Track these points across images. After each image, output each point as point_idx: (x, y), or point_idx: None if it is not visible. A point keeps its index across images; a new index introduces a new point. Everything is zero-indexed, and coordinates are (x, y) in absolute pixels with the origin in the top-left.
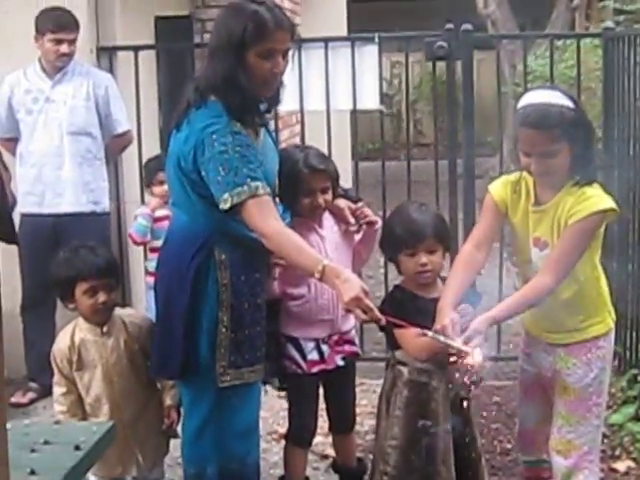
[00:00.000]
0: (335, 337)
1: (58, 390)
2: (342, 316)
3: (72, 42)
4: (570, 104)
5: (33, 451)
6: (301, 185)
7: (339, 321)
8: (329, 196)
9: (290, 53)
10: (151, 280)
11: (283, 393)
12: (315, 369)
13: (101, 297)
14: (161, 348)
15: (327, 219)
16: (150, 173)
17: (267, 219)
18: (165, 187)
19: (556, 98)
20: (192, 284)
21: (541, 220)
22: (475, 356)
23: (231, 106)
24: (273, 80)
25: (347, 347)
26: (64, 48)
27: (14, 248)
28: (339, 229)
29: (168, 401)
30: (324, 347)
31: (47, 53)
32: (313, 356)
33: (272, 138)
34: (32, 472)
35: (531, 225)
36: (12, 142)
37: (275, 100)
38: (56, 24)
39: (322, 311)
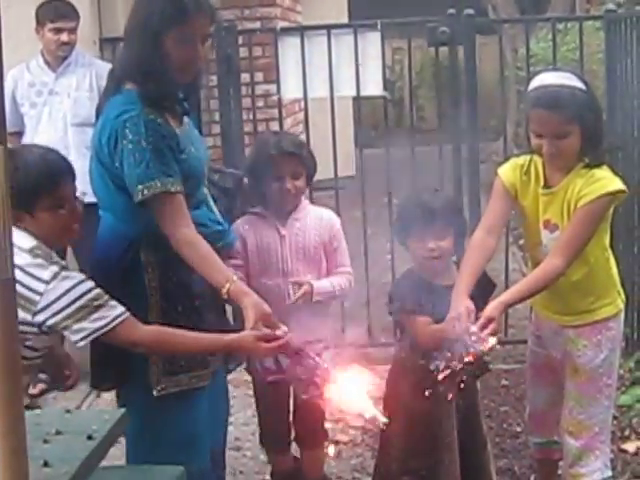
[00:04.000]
0: None
1: None
2: None
3: (72, 31)
4: (582, 86)
5: (46, 442)
6: (270, 168)
7: None
8: (301, 183)
9: (209, 39)
10: None
11: None
12: (271, 378)
13: None
14: (98, 358)
15: (298, 221)
16: None
17: (178, 224)
18: None
19: (568, 80)
20: (120, 288)
21: (551, 202)
22: (488, 344)
23: (147, 93)
24: (191, 66)
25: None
26: (64, 37)
27: None
28: (314, 235)
29: None
30: (282, 357)
31: (48, 43)
32: (269, 364)
33: (198, 127)
34: (45, 464)
35: (541, 208)
36: (17, 136)
37: (194, 87)
38: (55, 13)
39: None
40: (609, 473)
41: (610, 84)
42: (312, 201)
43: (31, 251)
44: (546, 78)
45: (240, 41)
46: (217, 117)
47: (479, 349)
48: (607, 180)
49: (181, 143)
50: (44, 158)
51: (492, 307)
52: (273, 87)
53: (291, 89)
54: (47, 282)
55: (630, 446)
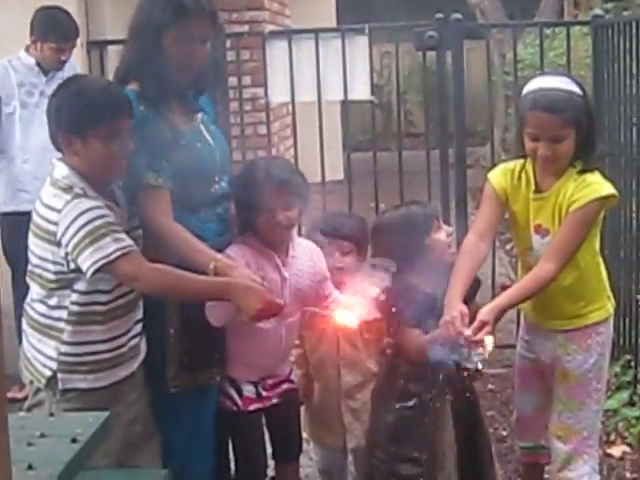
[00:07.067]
0: (270, 381)
1: None
2: (281, 360)
3: (72, 47)
4: (579, 91)
5: (30, 445)
6: (259, 198)
7: (278, 366)
8: (293, 213)
9: (210, 41)
10: None
11: None
12: (252, 407)
13: None
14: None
15: (295, 259)
16: None
17: (158, 215)
18: None
19: (566, 84)
20: None
21: (542, 207)
22: (485, 347)
23: (145, 90)
24: (189, 66)
25: (285, 386)
26: (65, 56)
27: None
28: (309, 272)
29: None
30: (261, 389)
31: (46, 58)
32: (249, 394)
33: (216, 125)
34: (29, 467)
35: (532, 212)
36: None
37: (201, 86)
38: (60, 35)
39: (262, 355)
40: (597, 477)
41: (597, 89)
42: None
43: (55, 183)
44: (544, 81)
45: (228, 44)
46: None
47: (477, 354)
48: (598, 185)
49: (184, 139)
50: (107, 88)
51: (486, 311)
52: (261, 91)
53: (279, 93)
54: (59, 211)
55: (616, 451)
